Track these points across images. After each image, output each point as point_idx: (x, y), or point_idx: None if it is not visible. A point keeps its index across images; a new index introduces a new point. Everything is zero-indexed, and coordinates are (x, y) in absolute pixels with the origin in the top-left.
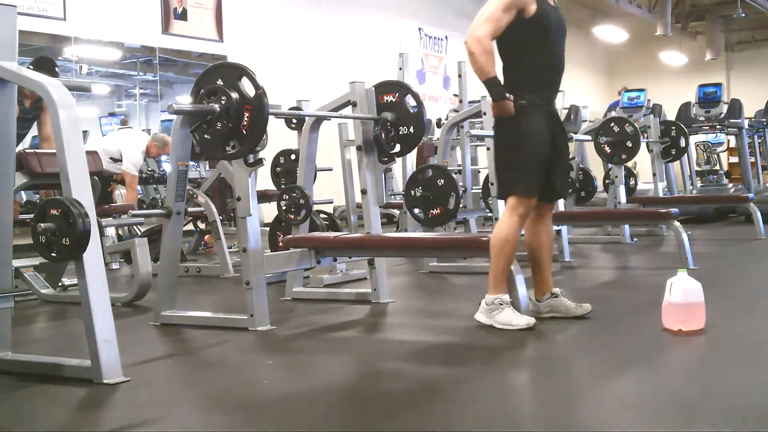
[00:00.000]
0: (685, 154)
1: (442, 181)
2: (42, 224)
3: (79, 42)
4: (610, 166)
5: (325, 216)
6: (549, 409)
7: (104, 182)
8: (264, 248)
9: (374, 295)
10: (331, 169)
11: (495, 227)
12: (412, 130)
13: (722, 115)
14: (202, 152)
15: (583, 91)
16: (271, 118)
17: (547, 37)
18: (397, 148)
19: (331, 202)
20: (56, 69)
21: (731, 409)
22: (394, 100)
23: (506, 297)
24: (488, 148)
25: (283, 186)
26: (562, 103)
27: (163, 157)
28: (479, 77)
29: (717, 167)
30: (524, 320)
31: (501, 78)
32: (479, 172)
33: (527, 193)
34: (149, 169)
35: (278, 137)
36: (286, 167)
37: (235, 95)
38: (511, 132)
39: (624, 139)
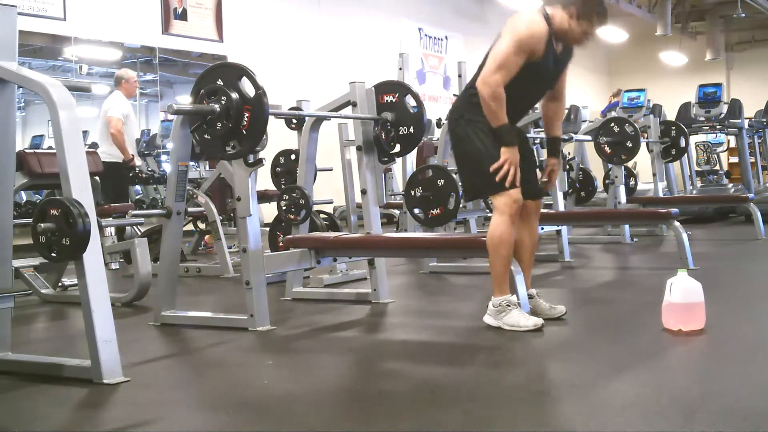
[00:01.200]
0: (685, 154)
1: (442, 181)
2: (42, 224)
3: (79, 42)
4: (610, 166)
5: (325, 216)
6: (549, 409)
7: (118, 175)
8: (264, 248)
9: (374, 295)
10: (331, 169)
11: (488, 230)
12: (412, 130)
13: (722, 115)
14: (202, 152)
15: (583, 91)
16: (271, 118)
17: (536, 80)
18: (397, 148)
19: (331, 202)
20: None
21: (731, 409)
22: (394, 100)
23: (513, 298)
24: None
25: (283, 186)
26: None
27: (163, 157)
28: (491, 122)
29: (717, 167)
30: (532, 321)
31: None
32: None
33: (506, 186)
34: (149, 169)
35: (278, 137)
36: (286, 167)
37: (235, 95)
38: (472, 140)
39: (624, 139)
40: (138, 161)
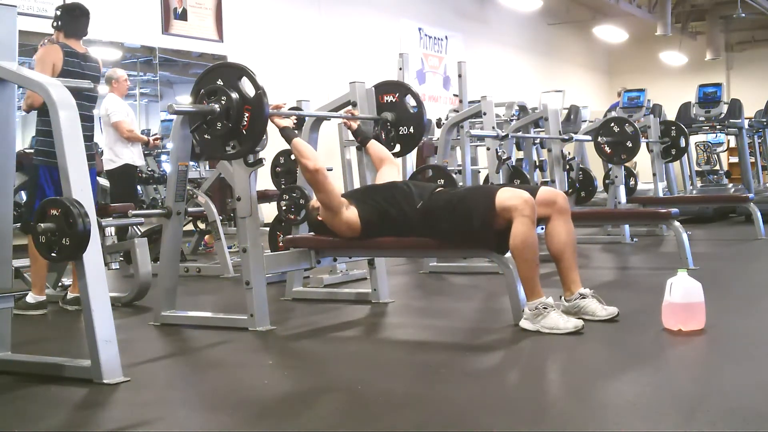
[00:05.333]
0: (685, 154)
1: (442, 181)
2: (42, 224)
3: None
4: (610, 166)
5: None
6: (549, 409)
7: (127, 177)
8: (264, 248)
9: (374, 295)
10: (331, 169)
11: (511, 236)
12: (412, 130)
13: (722, 115)
14: (202, 152)
15: (583, 91)
16: None
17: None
18: (397, 148)
19: None
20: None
21: (731, 409)
22: (394, 100)
23: (549, 300)
24: (488, 148)
25: (283, 186)
26: (562, 103)
27: (163, 157)
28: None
29: (717, 167)
30: (572, 323)
31: None
32: (479, 172)
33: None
34: (149, 169)
35: (278, 137)
36: (286, 167)
37: (235, 95)
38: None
39: (624, 139)
40: (146, 138)
